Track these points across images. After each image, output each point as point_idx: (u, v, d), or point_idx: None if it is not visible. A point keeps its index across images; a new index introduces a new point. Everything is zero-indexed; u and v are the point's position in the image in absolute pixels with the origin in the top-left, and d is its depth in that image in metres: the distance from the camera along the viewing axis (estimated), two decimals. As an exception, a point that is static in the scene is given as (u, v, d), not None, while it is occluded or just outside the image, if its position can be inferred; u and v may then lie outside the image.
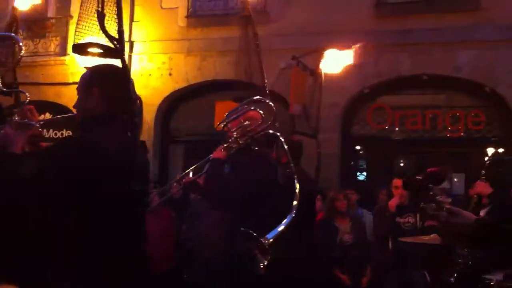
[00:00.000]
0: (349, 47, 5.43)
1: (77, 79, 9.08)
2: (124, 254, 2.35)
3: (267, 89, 7.20)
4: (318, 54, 9.68)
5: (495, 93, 9.11)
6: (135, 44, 10.93)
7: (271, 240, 2.69)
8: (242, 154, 3.73)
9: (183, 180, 3.97)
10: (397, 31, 9.28)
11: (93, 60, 11.19)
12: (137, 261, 2.48)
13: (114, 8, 3.20)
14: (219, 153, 3.76)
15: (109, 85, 2.57)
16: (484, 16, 8.98)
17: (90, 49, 3.85)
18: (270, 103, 3.90)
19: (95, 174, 2.22)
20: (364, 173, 10.83)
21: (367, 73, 9.50)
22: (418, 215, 5.71)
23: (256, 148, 3.74)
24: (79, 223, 2.27)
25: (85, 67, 11.21)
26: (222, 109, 10.63)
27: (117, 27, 2.94)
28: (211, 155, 3.80)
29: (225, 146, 3.77)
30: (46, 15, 11.83)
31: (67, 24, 11.39)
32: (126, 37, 10.86)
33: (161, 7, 10.90)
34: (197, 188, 3.93)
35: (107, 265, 2.28)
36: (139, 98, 2.65)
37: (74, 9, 11.38)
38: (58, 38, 11.49)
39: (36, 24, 11.82)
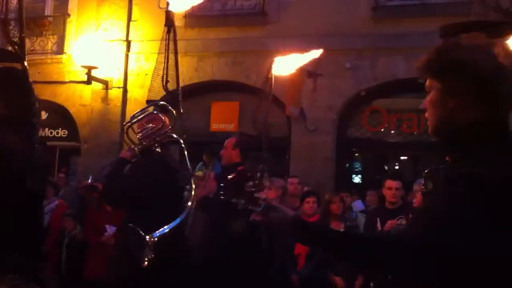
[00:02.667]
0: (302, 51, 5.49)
1: (74, 77, 9.11)
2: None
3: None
4: (315, 57, 9.72)
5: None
6: (132, 44, 10.93)
7: (156, 238, 2.84)
8: (144, 156, 3.94)
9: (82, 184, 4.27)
10: (393, 34, 9.31)
11: (91, 58, 11.09)
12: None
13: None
14: (125, 153, 4.04)
15: (6, 86, 2.72)
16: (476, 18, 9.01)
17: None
18: (173, 110, 4.15)
19: None
20: (359, 176, 10.86)
21: (363, 76, 9.54)
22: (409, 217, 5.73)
23: (158, 150, 3.93)
24: None
25: (81, 66, 11.24)
26: (218, 109, 10.66)
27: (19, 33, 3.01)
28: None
29: (131, 147, 4.01)
30: (44, 13, 11.81)
31: (64, 23, 11.38)
32: (123, 36, 10.92)
33: (159, 7, 10.88)
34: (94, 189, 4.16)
35: None
36: (38, 99, 2.74)
37: (72, 8, 11.38)
38: (55, 36, 11.47)
39: (33, 22, 11.80)
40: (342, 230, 1.70)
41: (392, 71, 9.46)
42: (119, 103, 10.84)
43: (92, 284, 6.16)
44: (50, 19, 11.71)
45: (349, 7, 9.61)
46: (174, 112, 4.14)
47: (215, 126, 10.51)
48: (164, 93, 4.50)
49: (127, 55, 10.89)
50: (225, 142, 4.95)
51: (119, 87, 10.87)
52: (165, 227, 3.00)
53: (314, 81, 9.65)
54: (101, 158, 9.84)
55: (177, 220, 3.18)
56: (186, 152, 3.82)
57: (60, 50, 11.36)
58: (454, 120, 1.65)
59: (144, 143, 3.96)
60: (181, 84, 11.64)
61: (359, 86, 9.73)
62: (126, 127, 4.09)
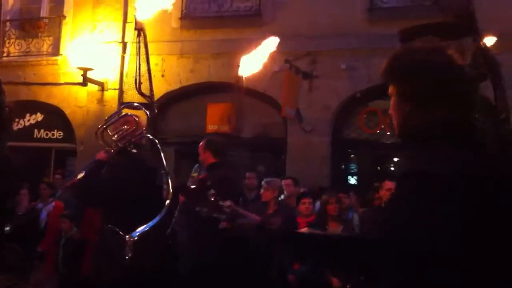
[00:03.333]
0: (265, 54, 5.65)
1: (69, 79, 9.09)
2: None
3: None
4: (311, 57, 9.75)
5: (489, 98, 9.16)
6: (128, 45, 10.92)
7: (136, 237, 2.92)
8: (120, 156, 4.04)
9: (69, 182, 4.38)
10: (390, 35, 9.29)
11: (87, 60, 11.08)
12: None
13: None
14: (101, 154, 4.11)
15: None
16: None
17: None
18: (146, 111, 4.29)
19: None
20: (355, 177, 10.87)
21: (359, 77, 9.55)
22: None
23: (134, 151, 4.03)
24: None
25: (77, 67, 11.21)
26: (214, 111, 10.66)
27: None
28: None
29: (107, 149, 4.10)
30: (39, 15, 11.80)
31: (60, 24, 11.36)
32: (119, 38, 10.91)
33: (155, 9, 10.89)
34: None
35: None
36: (3, 92, 2.79)
37: (68, 9, 11.37)
38: (50, 38, 11.46)
39: (29, 23, 11.79)
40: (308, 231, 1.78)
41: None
42: (115, 104, 10.82)
43: (90, 282, 6.18)
44: (46, 20, 11.70)
45: (344, 8, 9.63)
46: (148, 113, 4.30)
47: (211, 127, 10.51)
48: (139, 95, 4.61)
49: (123, 57, 10.88)
50: (199, 147, 5.08)
51: (115, 89, 10.86)
52: (144, 226, 3.05)
53: (310, 82, 9.67)
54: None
55: (156, 219, 3.27)
56: (161, 153, 3.93)
57: (55, 51, 11.34)
58: (411, 122, 1.71)
59: (119, 145, 4.05)
60: (177, 86, 11.70)
61: (355, 87, 9.75)
62: (100, 129, 4.16)
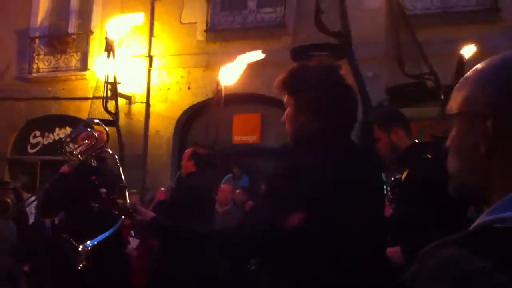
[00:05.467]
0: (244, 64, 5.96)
1: (97, 93, 9.19)
2: None
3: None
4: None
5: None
6: (154, 59, 11.05)
7: (89, 248, 3.09)
8: (80, 169, 4.35)
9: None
10: (414, 42, 9.26)
11: (112, 74, 11.21)
12: None
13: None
14: (64, 168, 4.46)
15: None
16: (502, 27, 8.94)
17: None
18: (105, 126, 4.65)
19: None
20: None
21: (385, 85, 9.48)
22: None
23: (94, 164, 4.39)
24: None
25: (104, 82, 11.39)
26: (240, 122, 10.70)
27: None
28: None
29: (70, 163, 4.42)
30: (67, 31, 12.02)
31: (87, 40, 11.56)
32: (145, 52, 11.06)
33: (180, 22, 11.02)
34: None
35: None
36: None
37: (95, 25, 11.56)
38: (78, 53, 11.66)
39: (57, 40, 12.02)
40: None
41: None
42: (142, 117, 10.96)
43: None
44: (74, 36, 11.91)
45: (368, 16, 9.60)
46: (106, 129, 4.64)
47: (237, 138, 10.55)
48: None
49: (149, 70, 11.02)
50: (183, 154, 5.58)
51: (141, 102, 10.99)
52: (98, 237, 3.23)
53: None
54: (124, 171, 9.93)
55: (110, 230, 3.46)
56: (120, 166, 4.31)
57: (84, 66, 11.54)
58: (305, 130, 1.95)
59: (81, 158, 4.34)
60: (203, 98, 11.70)
61: (381, 95, 9.68)
62: (64, 144, 4.47)
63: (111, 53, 5.19)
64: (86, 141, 4.43)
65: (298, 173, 1.81)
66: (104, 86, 5.72)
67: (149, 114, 10.99)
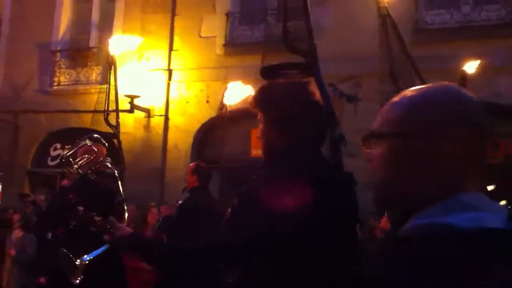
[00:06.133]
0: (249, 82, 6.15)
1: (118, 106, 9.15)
2: None
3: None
4: (355, 81, 9.70)
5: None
6: (173, 73, 11.12)
7: (86, 262, 3.10)
8: (79, 183, 4.44)
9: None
10: (435, 56, 9.20)
11: (134, 87, 11.36)
12: None
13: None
14: (65, 182, 4.60)
15: None
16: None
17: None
18: (104, 141, 4.82)
19: None
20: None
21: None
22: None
23: (93, 178, 4.47)
24: None
25: (125, 95, 11.48)
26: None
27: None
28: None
29: (70, 177, 4.52)
30: (88, 45, 12.16)
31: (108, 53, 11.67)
32: (165, 66, 11.14)
33: (199, 36, 11.09)
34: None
35: None
36: None
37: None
38: (99, 66, 11.79)
39: (78, 53, 12.17)
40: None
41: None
42: (160, 130, 11.00)
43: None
44: (95, 50, 12.05)
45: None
46: (106, 144, 4.84)
47: (255, 152, 10.53)
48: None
49: (168, 84, 11.09)
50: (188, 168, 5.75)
51: (161, 115, 11.05)
52: (96, 251, 3.23)
53: (354, 106, 9.60)
54: (143, 183, 9.98)
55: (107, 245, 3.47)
56: (119, 180, 4.51)
57: (104, 80, 11.63)
58: (273, 146, 2.07)
59: (81, 172, 4.45)
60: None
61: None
62: (65, 158, 4.58)
63: (112, 66, 5.46)
64: (86, 155, 4.57)
65: (266, 187, 1.88)
66: (105, 98, 5.94)
67: (167, 127, 11.04)
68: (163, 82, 11.10)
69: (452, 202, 1.04)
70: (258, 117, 2.15)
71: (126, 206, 4.18)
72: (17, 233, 7.73)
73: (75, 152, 4.64)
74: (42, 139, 12.22)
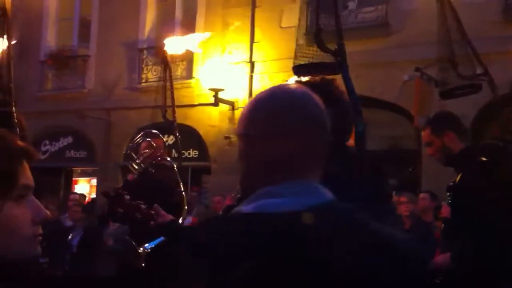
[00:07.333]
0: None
1: (202, 100, 9.57)
2: None
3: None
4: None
5: None
6: (255, 64, 11.19)
7: (148, 250, 3.26)
8: (140, 177, 4.69)
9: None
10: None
11: (218, 81, 11.56)
12: None
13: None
14: (130, 176, 4.89)
15: None
16: None
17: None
18: (161, 136, 5.15)
19: None
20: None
21: (497, 82, 8.97)
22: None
23: (153, 171, 4.66)
24: None
25: (209, 89, 11.69)
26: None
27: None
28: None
29: (133, 171, 4.79)
30: (173, 41, 12.46)
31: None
32: (247, 58, 11.23)
33: (280, 27, 11.08)
34: None
35: None
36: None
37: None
38: (184, 62, 12.04)
39: (163, 50, 12.49)
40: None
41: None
42: (245, 122, 11.11)
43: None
44: (179, 46, 12.32)
45: (476, 10, 9.13)
46: (163, 138, 5.18)
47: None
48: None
49: (251, 76, 11.17)
50: None
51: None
52: (157, 240, 3.37)
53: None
54: (229, 176, 10.13)
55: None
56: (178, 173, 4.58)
57: (189, 75, 11.91)
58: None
59: (142, 166, 4.71)
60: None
61: (492, 94, 9.16)
62: (128, 155, 4.94)
63: (167, 67, 5.61)
64: (146, 150, 4.82)
65: None
66: (162, 94, 6.12)
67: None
68: (246, 75, 11.20)
69: (260, 193, 1.25)
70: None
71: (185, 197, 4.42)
72: (113, 225, 8.06)
73: (137, 147, 4.93)
74: (133, 134, 12.68)
